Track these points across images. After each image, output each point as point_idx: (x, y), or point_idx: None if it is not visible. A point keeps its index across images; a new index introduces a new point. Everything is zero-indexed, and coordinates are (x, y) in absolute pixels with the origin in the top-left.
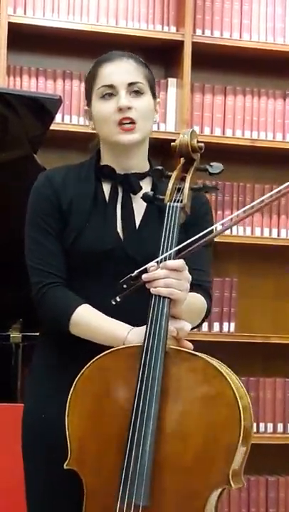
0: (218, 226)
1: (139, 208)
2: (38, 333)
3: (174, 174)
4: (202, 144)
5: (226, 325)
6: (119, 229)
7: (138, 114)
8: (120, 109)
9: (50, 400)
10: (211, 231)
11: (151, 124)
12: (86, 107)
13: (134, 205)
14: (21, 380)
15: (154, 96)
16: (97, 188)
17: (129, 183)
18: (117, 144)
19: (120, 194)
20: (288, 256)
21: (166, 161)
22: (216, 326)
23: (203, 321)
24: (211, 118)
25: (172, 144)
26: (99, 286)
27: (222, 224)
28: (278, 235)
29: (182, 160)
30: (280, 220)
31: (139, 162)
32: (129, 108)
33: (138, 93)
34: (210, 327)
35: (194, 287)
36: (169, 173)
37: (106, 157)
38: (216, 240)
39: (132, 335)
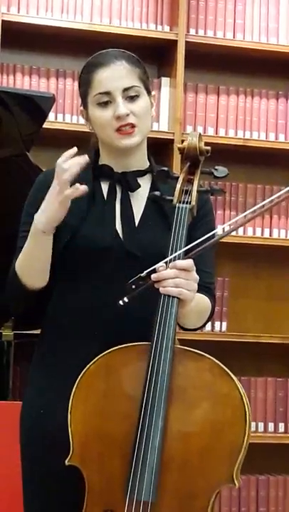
0: (226, 227)
1: (138, 205)
2: (29, 332)
3: (181, 176)
4: (209, 148)
5: (217, 324)
6: (118, 226)
7: (136, 118)
8: (118, 117)
9: (51, 397)
10: (217, 233)
11: (150, 122)
12: (82, 108)
13: (132, 203)
14: (13, 378)
15: (148, 93)
16: (96, 187)
17: (126, 181)
18: (117, 148)
19: (119, 192)
20: (280, 256)
21: (158, 160)
22: (208, 325)
23: (206, 321)
24: (203, 117)
25: (179, 146)
26: (99, 283)
27: (229, 225)
28: (270, 235)
29: (188, 162)
30: (272, 220)
31: (138, 160)
32: (128, 115)
33: (134, 97)
34: None
35: (200, 289)
36: (175, 175)
37: (105, 157)
38: None
39: (37, 215)
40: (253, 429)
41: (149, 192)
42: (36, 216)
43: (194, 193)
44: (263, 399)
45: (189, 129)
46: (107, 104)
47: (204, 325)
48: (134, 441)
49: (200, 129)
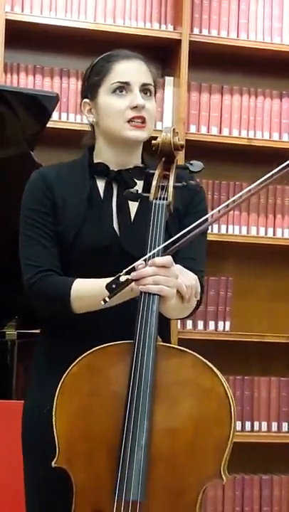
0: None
1: (135, 203)
2: (33, 331)
3: (156, 172)
4: (183, 142)
5: (221, 324)
6: (115, 225)
7: (148, 114)
8: (135, 107)
9: (49, 397)
10: (197, 226)
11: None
12: (87, 100)
13: (128, 200)
14: (16, 378)
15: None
16: (92, 186)
17: (123, 179)
18: (124, 139)
19: (115, 190)
20: (284, 255)
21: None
22: (212, 324)
23: (194, 311)
24: (207, 117)
25: (153, 141)
26: None
27: (208, 218)
28: (274, 235)
29: (163, 158)
30: (275, 219)
31: (135, 158)
32: (143, 107)
33: (148, 94)
34: (205, 326)
35: None
36: (150, 171)
37: (103, 152)
38: (212, 239)
39: None
40: (256, 428)
41: (143, 189)
42: None
43: (170, 189)
44: (266, 398)
45: (193, 128)
46: (123, 94)
47: (192, 314)
48: (120, 440)
49: (204, 129)
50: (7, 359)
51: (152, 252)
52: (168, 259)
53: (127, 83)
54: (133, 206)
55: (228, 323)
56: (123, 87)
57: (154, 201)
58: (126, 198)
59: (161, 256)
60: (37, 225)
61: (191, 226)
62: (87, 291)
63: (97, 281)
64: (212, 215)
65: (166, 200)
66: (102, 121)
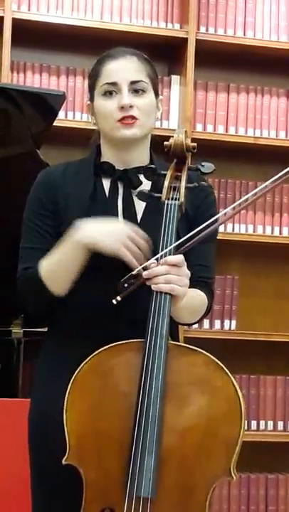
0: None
1: (141, 202)
2: (39, 329)
3: (168, 173)
4: (195, 144)
5: (227, 322)
6: None
7: (140, 112)
8: (122, 108)
9: (56, 395)
10: (208, 225)
11: (153, 122)
12: (88, 102)
13: (135, 199)
14: (22, 376)
15: (156, 94)
16: (97, 184)
17: (128, 179)
18: (118, 139)
19: (121, 189)
20: None
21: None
22: (218, 323)
23: (203, 317)
24: (214, 115)
25: (166, 143)
26: (102, 280)
27: (217, 218)
28: (280, 233)
29: (174, 159)
30: (282, 218)
31: (140, 156)
32: (131, 106)
33: (140, 91)
34: (211, 324)
35: (197, 283)
36: (163, 172)
37: (106, 153)
38: (218, 237)
39: (77, 229)
40: (262, 427)
41: (150, 188)
42: (86, 232)
43: (182, 190)
44: (272, 397)
45: (199, 127)
46: (113, 95)
47: (200, 320)
48: (131, 438)
49: (210, 128)
50: (13, 357)
51: (164, 251)
52: (180, 257)
53: (114, 83)
54: (140, 205)
55: (233, 322)
56: (112, 88)
57: (166, 201)
58: (132, 198)
59: (173, 255)
60: (35, 228)
61: (202, 226)
62: (52, 261)
63: (57, 249)
64: (223, 215)
65: (178, 200)
66: (98, 123)
